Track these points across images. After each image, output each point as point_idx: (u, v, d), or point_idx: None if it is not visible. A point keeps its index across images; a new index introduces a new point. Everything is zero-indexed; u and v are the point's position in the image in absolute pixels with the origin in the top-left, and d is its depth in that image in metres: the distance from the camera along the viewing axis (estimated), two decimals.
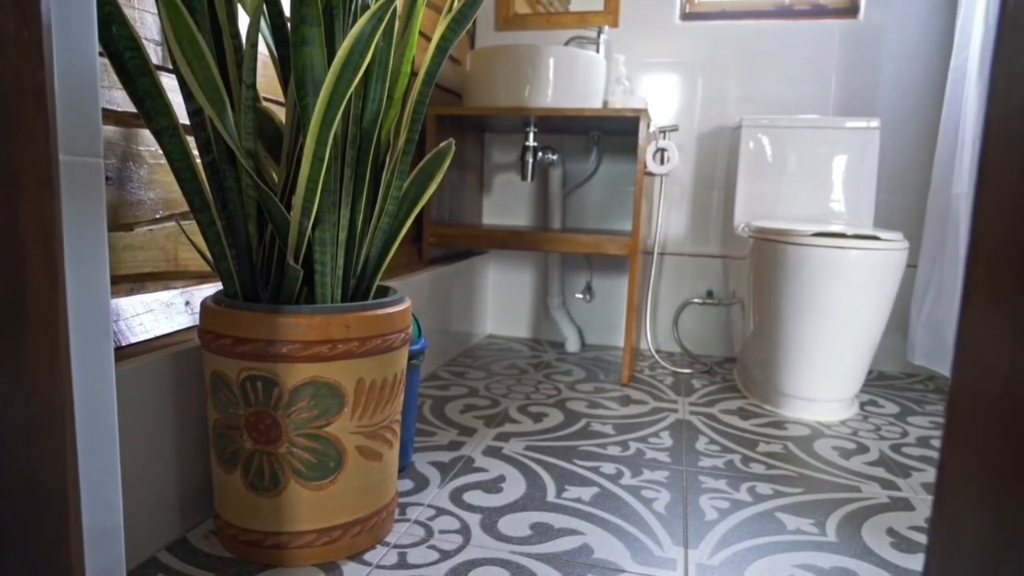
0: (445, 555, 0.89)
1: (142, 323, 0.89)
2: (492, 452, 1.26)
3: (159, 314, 0.92)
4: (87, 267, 0.55)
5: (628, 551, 0.92)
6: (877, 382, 1.89)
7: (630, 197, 2.16)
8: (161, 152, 0.92)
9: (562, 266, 2.18)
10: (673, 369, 1.96)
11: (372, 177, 0.91)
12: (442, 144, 1.00)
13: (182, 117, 0.91)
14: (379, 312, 0.85)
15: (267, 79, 1.14)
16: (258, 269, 0.88)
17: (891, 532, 1.01)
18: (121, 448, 0.80)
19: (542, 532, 0.96)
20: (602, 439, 1.35)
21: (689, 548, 0.94)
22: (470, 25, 2.21)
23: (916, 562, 0.93)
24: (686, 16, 2.07)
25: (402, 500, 1.04)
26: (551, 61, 1.75)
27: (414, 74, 0.95)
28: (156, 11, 0.90)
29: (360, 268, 0.93)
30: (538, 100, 1.76)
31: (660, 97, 2.11)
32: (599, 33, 2.02)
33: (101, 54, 0.78)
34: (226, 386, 0.82)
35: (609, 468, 1.20)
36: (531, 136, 1.89)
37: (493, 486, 1.11)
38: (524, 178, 1.90)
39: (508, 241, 1.78)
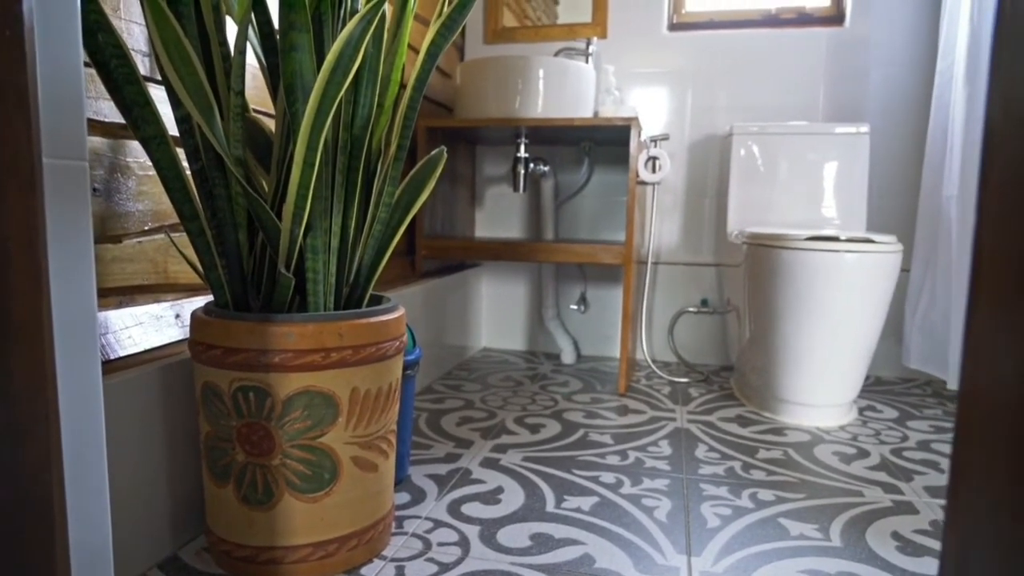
0: (444, 568, 0.87)
1: (131, 336, 0.87)
2: (489, 464, 1.24)
3: (149, 327, 0.90)
4: (73, 272, 0.54)
5: (630, 560, 0.90)
6: (874, 388, 1.88)
7: (622, 208, 2.16)
8: (149, 164, 0.91)
9: (556, 278, 2.17)
10: (670, 378, 1.94)
11: (364, 184, 0.91)
12: (434, 152, 0.99)
13: (171, 129, 0.90)
14: (373, 320, 0.84)
15: (256, 91, 1.13)
16: (249, 279, 0.86)
17: (896, 536, 1.00)
18: (110, 463, 0.78)
19: (542, 543, 0.94)
20: (601, 449, 1.33)
21: (692, 556, 0.92)
22: (459, 34, 2.21)
23: (923, 566, 0.91)
24: (674, 27, 2.08)
25: (399, 513, 1.02)
26: (540, 72, 1.75)
27: (403, 86, 0.95)
28: (143, 22, 0.89)
29: (353, 276, 0.92)
30: (528, 111, 1.76)
31: (650, 107, 2.12)
32: (588, 45, 2.02)
33: (88, 64, 0.77)
34: (217, 397, 0.81)
35: (608, 477, 1.19)
36: (522, 147, 1.89)
37: (491, 498, 1.09)
38: (516, 189, 1.90)
39: (502, 252, 1.78)
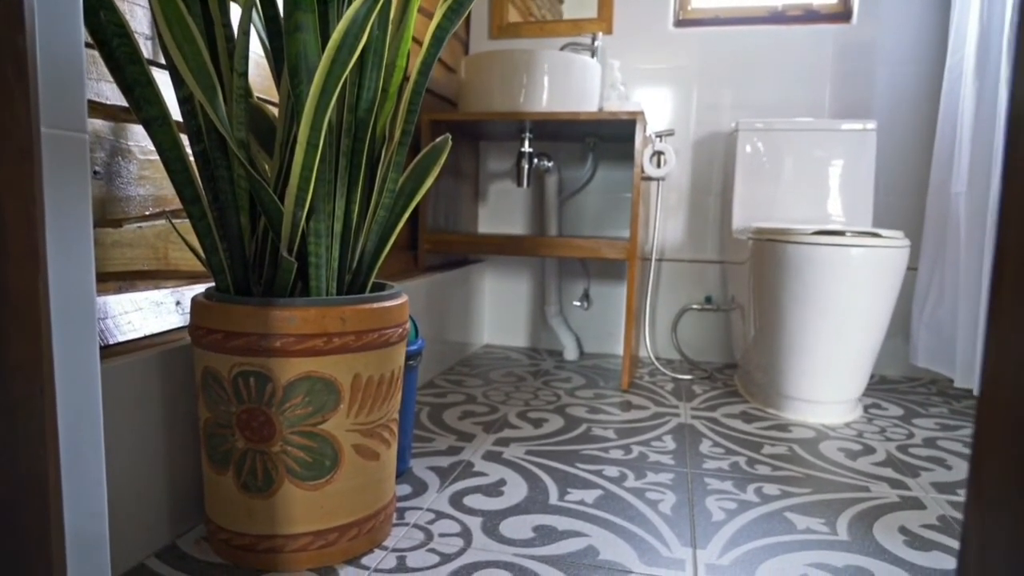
0: (446, 558, 0.86)
1: (131, 321, 0.86)
2: (492, 457, 1.22)
3: (148, 313, 0.89)
4: (71, 247, 0.53)
5: (635, 552, 0.89)
6: (879, 386, 1.87)
7: (626, 204, 2.15)
8: (151, 148, 0.90)
9: (559, 274, 2.16)
10: (673, 375, 1.93)
11: (368, 169, 0.89)
12: (438, 139, 0.98)
13: (174, 113, 0.89)
14: (376, 305, 0.83)
15: (260, 78, 1.12)
16: (251, 263, 0.85)
17: (903, 530, 0.98)
18: (107, 449, 0.77)
19: (545, 534, 0.93)
20: (604, 443, 1.32)
21: (697, 548, 0.91)
22: (464, 30, 2.20)
23: (931, 559, 0.90)
24: (680, 23, 2.07)
25: (400, 504, 1.01)
26: (546, 66, 1.74)
27: (406, 78, 0.94)
28: (147, 3, 0.88)
29: (356, 263, 0.91)
30: (533, 105, 1.75)
31: (655, 103, 2.10)
32: (593, 40, 2.01)
33: (89, 45, 0.76)
34: (217, 383, 0.79)
35: (612, 471, 1.17)
36: (526, 142, 1.88)
37: (494, 490, 1.08)
38: (519, 184, 1.88)
39: (505, 246, 1.76)
